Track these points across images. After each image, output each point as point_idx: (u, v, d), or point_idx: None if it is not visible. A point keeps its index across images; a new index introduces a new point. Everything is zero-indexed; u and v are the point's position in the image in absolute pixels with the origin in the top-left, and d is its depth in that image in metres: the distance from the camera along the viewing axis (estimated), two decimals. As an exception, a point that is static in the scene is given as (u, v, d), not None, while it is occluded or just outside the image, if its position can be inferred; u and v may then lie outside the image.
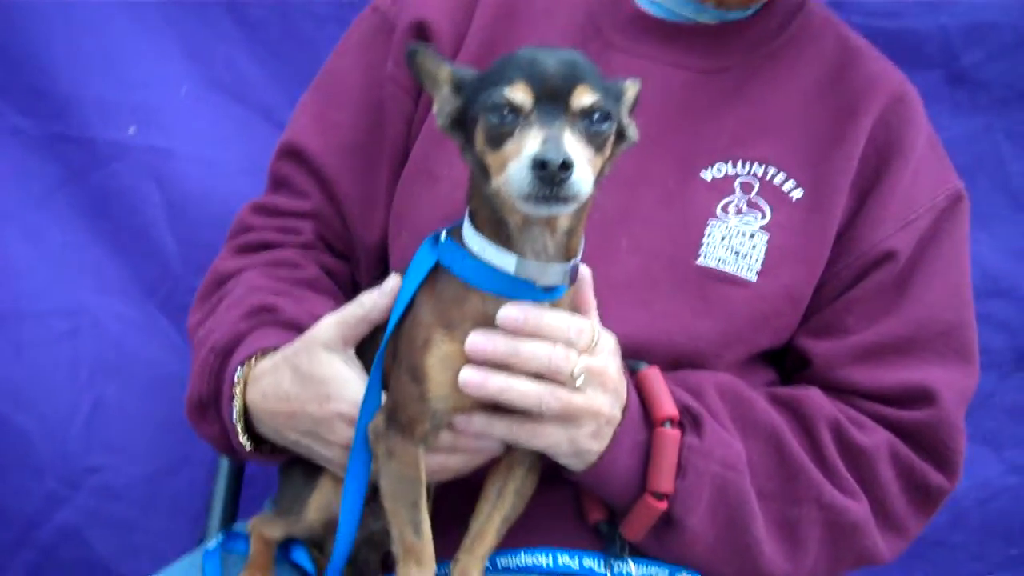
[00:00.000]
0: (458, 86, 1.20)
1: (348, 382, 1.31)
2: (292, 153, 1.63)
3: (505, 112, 1.12)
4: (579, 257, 1.23)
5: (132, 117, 2.02)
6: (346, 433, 1.30)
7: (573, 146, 1.10)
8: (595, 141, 1.13)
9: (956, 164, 1.85)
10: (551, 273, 1.19)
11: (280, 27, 2.06)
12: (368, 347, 1.34)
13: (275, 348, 1.40)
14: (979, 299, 1.91)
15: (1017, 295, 2.00)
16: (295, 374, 1.34)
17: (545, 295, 1.20)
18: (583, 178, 1.08)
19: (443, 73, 1.21)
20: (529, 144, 1.09)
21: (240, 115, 2.06)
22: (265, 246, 1.61)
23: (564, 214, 1.15)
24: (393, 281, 1.32)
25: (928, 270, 1.50)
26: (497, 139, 1.13)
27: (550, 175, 1.06)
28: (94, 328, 2.03)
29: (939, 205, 1.51)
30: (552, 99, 1.11)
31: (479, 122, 1.15)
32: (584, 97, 1.12)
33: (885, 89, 1.53)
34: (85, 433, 2.03)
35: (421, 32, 1.58)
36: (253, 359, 1.41)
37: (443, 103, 1.22)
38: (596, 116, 1.13)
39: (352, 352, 1.34)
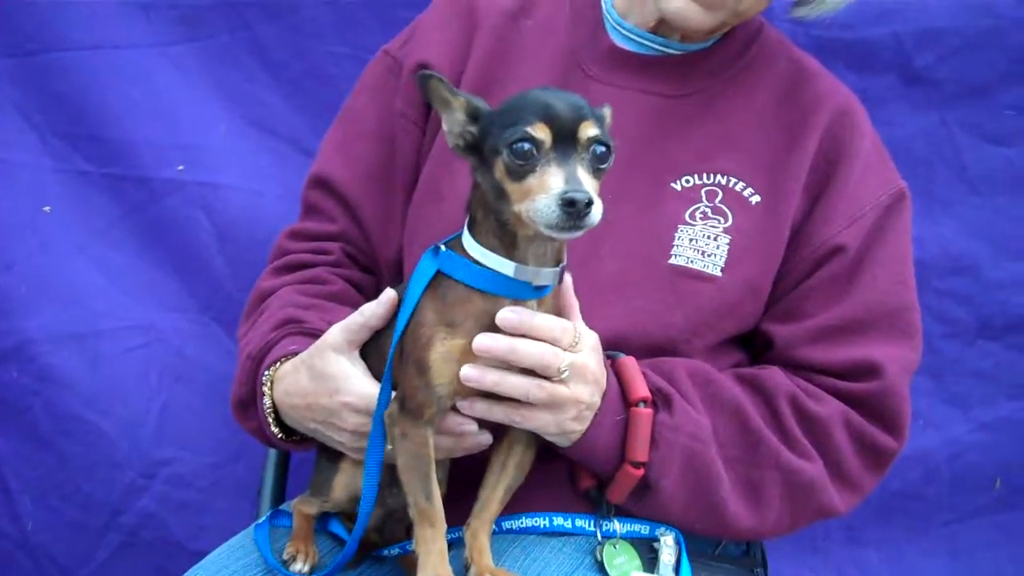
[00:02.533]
0: (474, 115, 1.32)
1: (352, 378, 1.45)
2: (320, 183, 1.76)
3: (527, 148, 1.24)
4: (565, 261, 1.37)
5: (179, 156, 2.14)
6: (353, 420, 1.44)
7: (587, 182, 1.24)
8: (598, 173, 1.28)
9: (915, 157, 1.93)
10: (544, 275, 1.34)
11: (301, 66, 2.16)
12: (370, 349, 1.48)
13: (296, 353, 1.53)
14: (944, 277, 2.03)
15: (977, 271, 2.08)
16: (311, 373, 1.48)
17: (538, 293, 1.35)
18: (598, 210, 1.23)
19: (457, 101, 1.32)
20: (553, 181, 1.22)
21: (273, 147, 2.17)
22: (299, 266, 1.74)
23: None
24: (388, 294, 1.46)
25: (874, 261, 1.60)
26: (519, 173, 1.25)
27: (577, 211, 1.20)
28: (160, 340, 2.18)
29: (883, 203, 1.62)
30: (564, 136, 1.25)
31: (501, 155, 1.26)
32: (589, 130, 1.26)
33: (831, 104, 1.64)
34: (157, 431, 2.18)
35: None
36: (278, 363, 1.55)
37: (454, 125, 1.33)
38: (599, 148, 1.27)
39: (357, 353, 1.48)
